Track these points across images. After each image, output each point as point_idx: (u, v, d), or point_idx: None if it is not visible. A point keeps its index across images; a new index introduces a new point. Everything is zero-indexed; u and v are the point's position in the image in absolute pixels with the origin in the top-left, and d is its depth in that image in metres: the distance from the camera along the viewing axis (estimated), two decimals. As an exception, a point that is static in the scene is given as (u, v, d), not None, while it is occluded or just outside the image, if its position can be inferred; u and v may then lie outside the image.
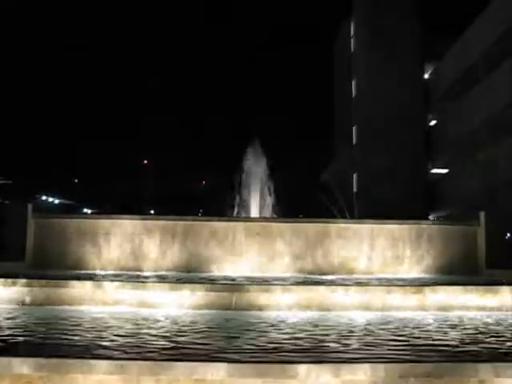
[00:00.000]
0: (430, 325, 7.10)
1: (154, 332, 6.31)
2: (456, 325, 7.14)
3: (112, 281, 8.83)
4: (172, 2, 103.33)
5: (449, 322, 7.32)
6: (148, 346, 5.51)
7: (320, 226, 11.62)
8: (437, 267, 11.39)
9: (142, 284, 8.63)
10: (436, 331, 6.62)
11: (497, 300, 8.39)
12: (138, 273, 10.62)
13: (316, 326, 6.87)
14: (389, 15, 47.67)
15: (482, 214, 11.74)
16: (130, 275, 9.92)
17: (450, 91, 42.21)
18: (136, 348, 5.38)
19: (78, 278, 9.03)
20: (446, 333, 6.52)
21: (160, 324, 6.91)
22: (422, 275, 11.20)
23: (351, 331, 6.52)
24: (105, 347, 5.39)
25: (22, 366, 4.91)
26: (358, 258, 11.37)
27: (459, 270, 11.28)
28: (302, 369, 4.91)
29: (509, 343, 5.91)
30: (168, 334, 6.17)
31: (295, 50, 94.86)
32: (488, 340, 6.09)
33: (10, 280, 8.43)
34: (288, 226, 11.58)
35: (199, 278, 9.63)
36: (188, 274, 10.53)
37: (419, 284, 9.05)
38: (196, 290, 8.38)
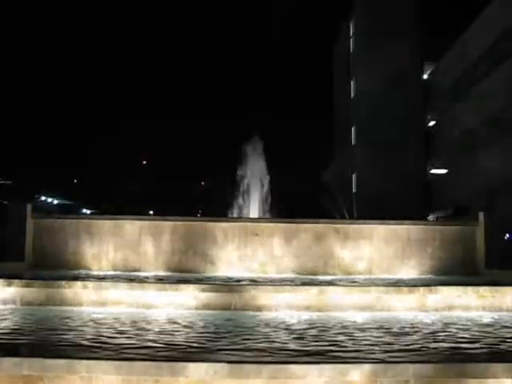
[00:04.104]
0: None
1: (152, 333, 6.31)
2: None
3: (110, 281, 8.82)
4: (172, 1, 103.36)
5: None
6: (147, 346, 5.53)
7: (318, 227, 11.60)
8: (435, 268, 11.37)
9: (141, 284, 8.63)
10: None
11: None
12: (139, 273, 10.60)
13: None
14: (388, 15, 47.68)
15: (481, 214, 11.71)
16: (130, 276, 9.92)
17: (449, 91, 42.20)
18: (135, 348, 5.39)
19: (78, 278, 9.02)
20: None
21: (159, 324, 6.92)
22: (421, 276, 11.17)
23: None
24: (104, 348, 5.40)
25: (21, 366, 4.92)
26: (355, 259, 11.35)
27: (458, 270, 11.27)
28: (302, 369, 4.93)
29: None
30: (168, 335, 6.18)
31: (295, 51, 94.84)
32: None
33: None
34: (286, 226, 11.57)
35: (199, 279, 9.62)
36: (188, 274, 10.52)
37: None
38: (195, 290, 8.38)
